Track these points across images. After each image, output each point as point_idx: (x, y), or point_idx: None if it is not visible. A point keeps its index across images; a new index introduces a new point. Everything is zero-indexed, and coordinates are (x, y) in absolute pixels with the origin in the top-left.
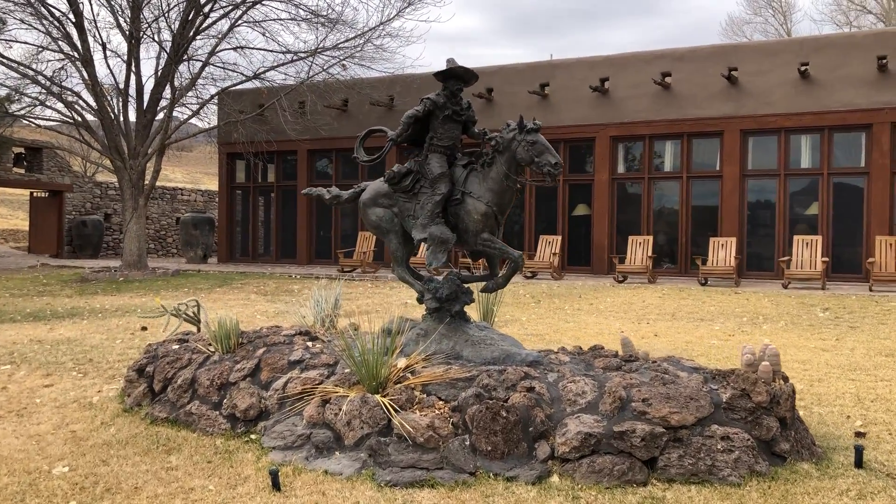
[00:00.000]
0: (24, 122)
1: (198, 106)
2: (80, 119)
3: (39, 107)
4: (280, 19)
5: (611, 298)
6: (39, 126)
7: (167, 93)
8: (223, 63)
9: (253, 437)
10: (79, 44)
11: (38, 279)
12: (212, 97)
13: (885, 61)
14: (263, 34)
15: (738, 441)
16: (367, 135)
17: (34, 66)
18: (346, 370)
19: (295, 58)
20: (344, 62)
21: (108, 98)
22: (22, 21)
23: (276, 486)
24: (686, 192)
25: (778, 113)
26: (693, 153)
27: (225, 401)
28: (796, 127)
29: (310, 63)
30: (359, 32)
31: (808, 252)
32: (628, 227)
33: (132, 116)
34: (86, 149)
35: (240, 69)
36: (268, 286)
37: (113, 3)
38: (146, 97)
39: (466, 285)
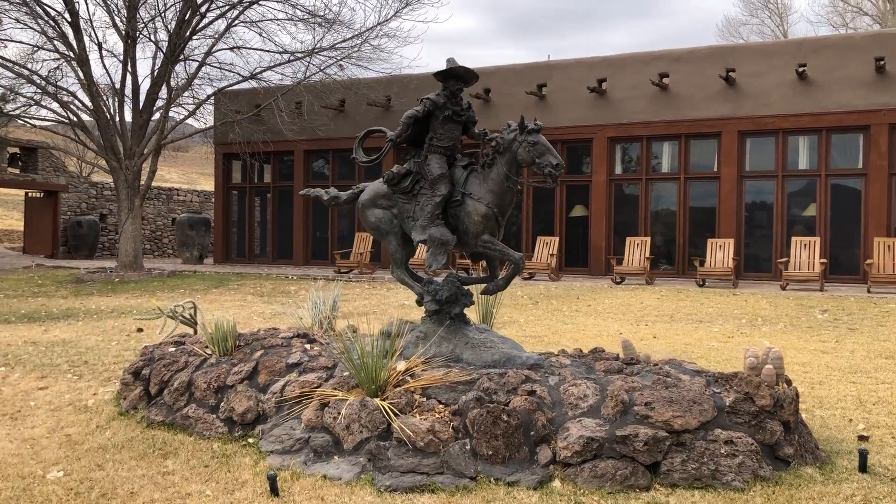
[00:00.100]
0: (20, 121)
1: (194, 106)
2: (75, 119)
3: (35, 107)
4: (277, 19)
5: (609, 300)
6: (35, 126)
7: (163, 93)
8: (220, 63)
9: (250, 440)
10: (74, 43)
11: (32, 280)
12: (208, 97)
13: (882, 63)
14: (260, 34)
15: (741, 445)
16: (366, 135)
17: (29, 66)
18: (345, 373)
19: (292, 58)
20: (341, 62)
21: (104, 98)
22: (17, 20)
23: (274, 491)
24: (684, 193)
25: (776, 114)
26: (691, 154)
27: (222, 404)
28: (794, 128)
29: (307, 63)
30: (356, 32)
31: (806, 253)
32: (626, 229)
33: (128, 116)
34: (81, 149)
35: (236, 69)
36: (264, 287)
37: (109, 2)
38: (142, 97)
39: (466, 287)
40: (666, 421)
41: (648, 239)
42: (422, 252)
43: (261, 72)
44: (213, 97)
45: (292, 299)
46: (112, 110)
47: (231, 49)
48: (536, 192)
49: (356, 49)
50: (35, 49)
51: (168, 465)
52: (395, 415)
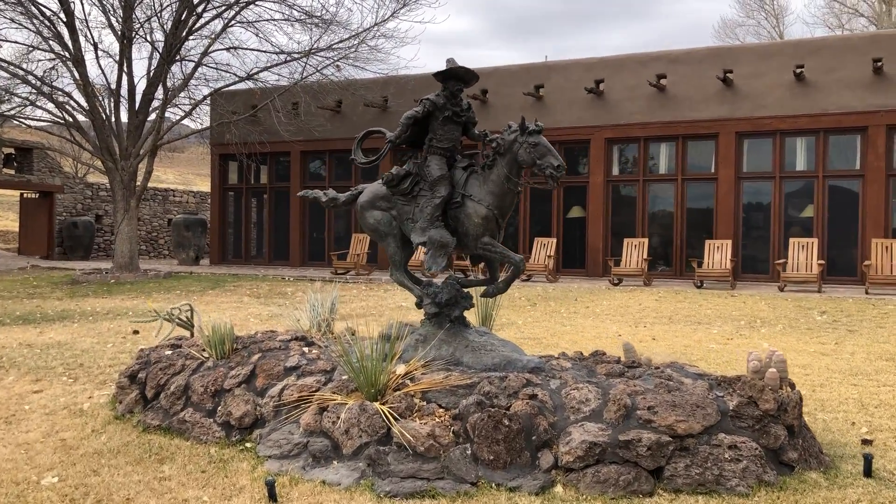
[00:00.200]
0: (15, 122)
1: (190, 107)
2: (71, 119)
3: (30, 107)
4: (273, 20)
5: (607, 301)
6: (30, 126)
7: (159, 93)
8: (216, 63)
9: (248, 445)
10: (70, 43)
11: (27, 281)
12: (204, 98)
13: (880, 64)
14: (257, 35)
15: (745, 450)
16: (365, 136)
17: (25, 66)
18: (344, 377)
19: (288, 58)
20: (338, 63)
21: (100, 98)
22: (12, 20)
23: (272, 497)
24: (681, 194)
25: (773, 115)
26: (688, 155)
27: (219, 408)
28: (791, 129)
29: (303, 64)
30: (353, 33)
31: (803, 255)
32: (623, 230)
33: (124, 117)
34: (77, 149)
35: (233, 70)
36: (261, 288)
37: (105, 2)
38: (138, 98)
39: (466, 290)
40: (669, 425)
41: (646, 240)
42: (419, 254)
43: (257, 72)
44: (209, 98)
45: (289, 301)
46: (108, 111)
47: (227, 49)
48: (534, 193)
49: (353, 50)
50: (30, 49)
51: (165, 470)
52: (395, 419)
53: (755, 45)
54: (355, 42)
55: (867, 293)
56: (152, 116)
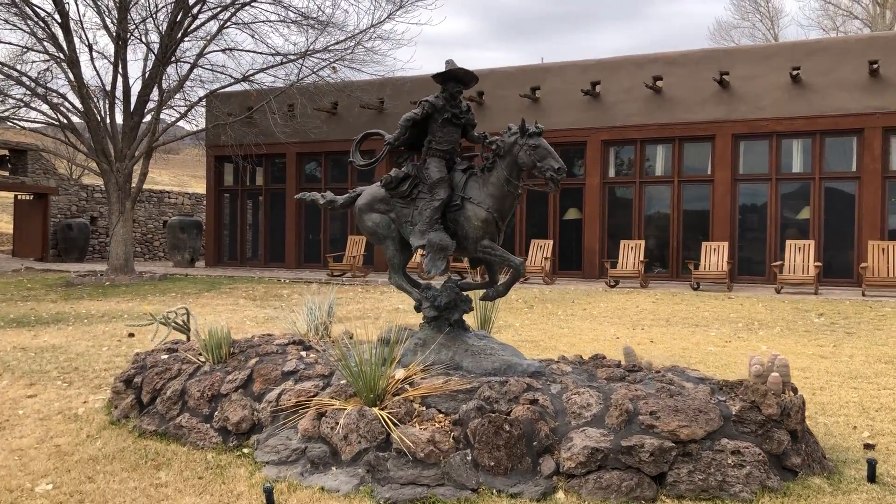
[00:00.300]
0: (9, 123)
1: (186, 108)
2: (65, 121)
3: (24, 108)
4: (269, 21)
5: (604, 303)
6: (24, 128)
7: (154, 95)
8: (211, 65)
9: (245, 451)
10: (64, 45)
11: (22, 283)
12: (200, 99)
13: (876, 66)
14: (252, 36)
15: (748, 455)
16: (364, 138)
17: (18, 67)
18: (342, 381)
19: (284, 60)
20: (334, 65)
21: (95, 100)
22: (6, 21)
23: (270, 503)
24: (677, 196)
25: (769, 117)
26: (684, 157)
27: (216, 413)
28: (788, 131)
29: (299, 65)
30: (349, 35)
31: (800, 257)
32: (620, 232)
33: (119, 119)
34: (71, 151)
35: (228, 71)
36: (257, 291)
37: (99, 3)
38: (133, 99)
39: (465, 293)
40: (672, 430)
41: (642, 242)
42: (418, 257)
43: (253, 74)
44: (204, 99)
45: (285, 303)
46: (102, 112)
47: (223, 51)
48: (530, 195)
49: (349, 51)
50: (24, 50)
51: (161, 476)
52: (395, 424)
53: (751, 46)
54: (351, 44)
55: (864, 295)
56: (147, 118)
